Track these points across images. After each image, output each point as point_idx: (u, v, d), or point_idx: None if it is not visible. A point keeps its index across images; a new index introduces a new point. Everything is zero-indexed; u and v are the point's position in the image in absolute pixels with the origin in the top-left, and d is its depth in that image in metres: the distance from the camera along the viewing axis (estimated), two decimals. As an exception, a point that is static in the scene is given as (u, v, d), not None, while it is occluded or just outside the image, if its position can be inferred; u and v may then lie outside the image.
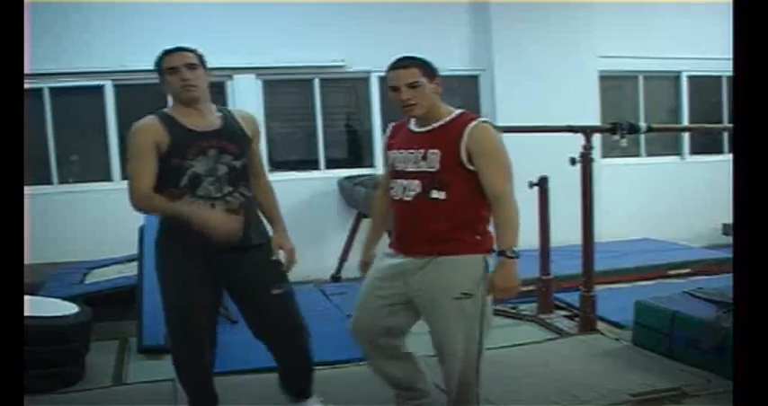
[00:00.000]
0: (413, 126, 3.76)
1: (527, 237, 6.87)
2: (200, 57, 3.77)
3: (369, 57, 8.49)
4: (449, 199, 3.58)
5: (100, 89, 8.29)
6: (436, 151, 3.57)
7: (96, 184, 8.33)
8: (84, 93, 8.34)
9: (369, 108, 9.21)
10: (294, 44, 8.50)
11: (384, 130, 4.31)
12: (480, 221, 3.66)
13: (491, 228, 3.67)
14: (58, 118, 8.27)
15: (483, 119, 3.64)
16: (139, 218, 5.48)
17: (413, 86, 3.58)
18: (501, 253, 3.55)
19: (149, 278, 5.25)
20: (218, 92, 8.33)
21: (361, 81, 9.18)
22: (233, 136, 3.80)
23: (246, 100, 8.50)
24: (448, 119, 3.65)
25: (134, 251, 6.61)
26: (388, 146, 3.87)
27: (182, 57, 3.69)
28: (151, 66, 3.76)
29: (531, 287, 6.62)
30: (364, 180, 8.23)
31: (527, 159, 6.68)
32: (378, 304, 3.80)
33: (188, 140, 3.68)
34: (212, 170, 3.70)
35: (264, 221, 4.04)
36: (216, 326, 3.96)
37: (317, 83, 8.98)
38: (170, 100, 3.85)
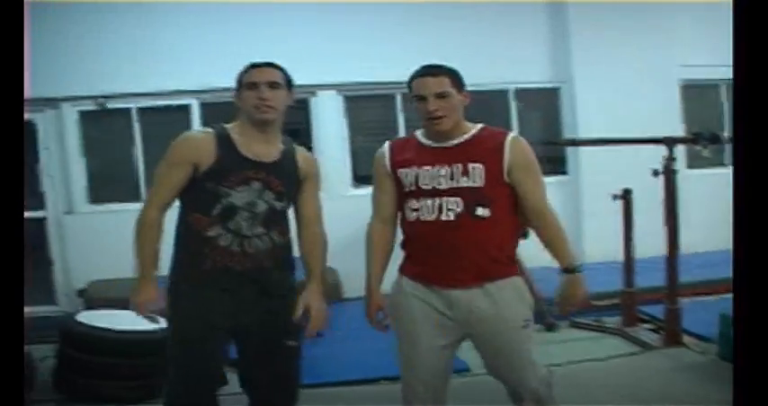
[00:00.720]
0: (426, 140, 3.43)
1: (610, 249, 6.98)
2: (287, 77, 3.47)
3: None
4: (493, 216, 3.26)
5: (186, 108, 8.50)
6: (479, 165, 3.26)
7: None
8: (172, 112, 8.53)
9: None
10: (375, 61, 8.55)
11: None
12: (516, 238, 3.44)
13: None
14: (147, 136, 8.47)
15: (515, 134, 3.40)
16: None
17: (441, 96, 3.29)
18: (568, 270, 3.30)
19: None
20: (302, 109, 8.49)
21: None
22: (284, 173, 3.45)
23: (328, 115, 8.66)
24: (474, 132, 3.37)
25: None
26: (398, 164, 3.46)
27: (265, 74, 3.40)
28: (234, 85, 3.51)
29: (615, 300, 6.59)
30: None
31: (610, 170, 6.72)
32: (434, 348, 3.37)
33: (235, 166, 3.34)
34: (252, 204, 3.35)
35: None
36: (221, 367, 3.62)
37: (398, 98, 9.04)
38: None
